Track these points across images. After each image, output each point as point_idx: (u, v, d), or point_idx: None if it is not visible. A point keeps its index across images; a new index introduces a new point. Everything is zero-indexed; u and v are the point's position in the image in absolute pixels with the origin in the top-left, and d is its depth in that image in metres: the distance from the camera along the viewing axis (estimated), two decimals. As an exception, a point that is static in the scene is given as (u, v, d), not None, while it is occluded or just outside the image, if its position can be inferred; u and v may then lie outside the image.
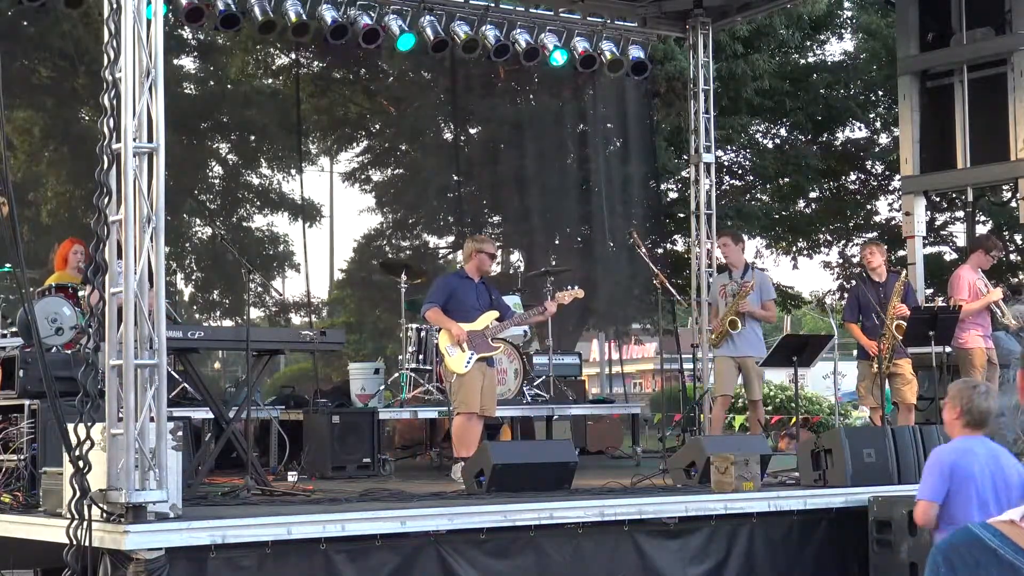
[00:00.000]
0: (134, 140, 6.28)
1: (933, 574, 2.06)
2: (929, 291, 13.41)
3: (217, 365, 26.48)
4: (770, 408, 20.02)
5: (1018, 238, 21.74)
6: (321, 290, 29.65)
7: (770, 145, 22.73)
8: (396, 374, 12.59)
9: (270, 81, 22.09)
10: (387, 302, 19.37)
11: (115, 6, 6.37)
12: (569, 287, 10.38)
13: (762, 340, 11.26)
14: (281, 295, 23.88)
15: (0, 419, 7.68)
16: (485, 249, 9.93)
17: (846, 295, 14.51)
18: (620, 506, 7.53)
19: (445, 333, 9.65)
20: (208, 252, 21.59)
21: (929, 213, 18.32)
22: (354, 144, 23.51)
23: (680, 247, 21.08)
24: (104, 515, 6.11)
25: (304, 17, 12.34)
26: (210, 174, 22.19)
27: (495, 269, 10.70)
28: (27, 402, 7.47)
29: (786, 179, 22.26)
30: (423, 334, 12.09)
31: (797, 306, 25.74)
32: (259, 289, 22.04)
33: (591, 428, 14.25)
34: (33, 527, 6.69)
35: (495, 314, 9.82)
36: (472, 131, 21.48)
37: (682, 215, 18.92)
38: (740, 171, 23.13)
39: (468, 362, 9.52)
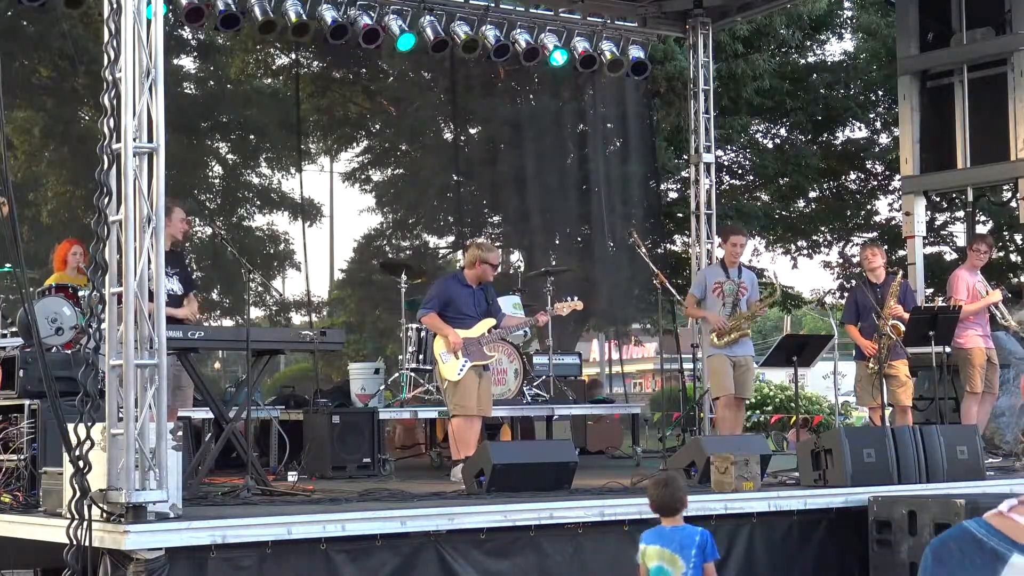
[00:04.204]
0: (134, 140, 6.28)
1: (923, 571, 2.13)
2: (929, 291, 13.40)
3: (217, 365, 26.48)
4: (770, 408, 20.04)
5: (1018, 238, 21.74)
6: (321, 290, 29.64)
7: (770, 145, 22.73)
8: (396, 374, 12.59)
9: (270, 81, 22.09)
10: (387, 302, 19.35)
11: (115, 6, 6.37)
12: (568, 298, 10.34)
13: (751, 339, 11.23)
14: (281, 295, 23.89)
15: (0, 419, 7.68)
16: (489, 260, 9.84)
17: (845, 295, 14.51)
18: (620, 506, 7.52)
19: (441, 339, 9.63)
20: (208, 252, 21.57)
21: (929, 213, 18.32)
22: (354, 144, 23.51)
23: (680, 247, 21.08)
24: (104, 515, 6.11)
25: (304, 17, 12.34)
26: (210, 174, 22.18)
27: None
28: (27, 402, 7.47)
29: (786, 179, 22.25)
30: (423, 334, 12.08)
31: (797, 306, 25.72)
32: (259, 289, 22.04)
33: (591, 428, 14.25)
34: (33, 527, 6.69)
35: (492, 322, 9.79)
36: (472, 131, 21.48)
37: (682, 215, 18.92)
38: (740, 171, 23.14)
39: (461, 369, 9.50)
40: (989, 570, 2.05)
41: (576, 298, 10.35)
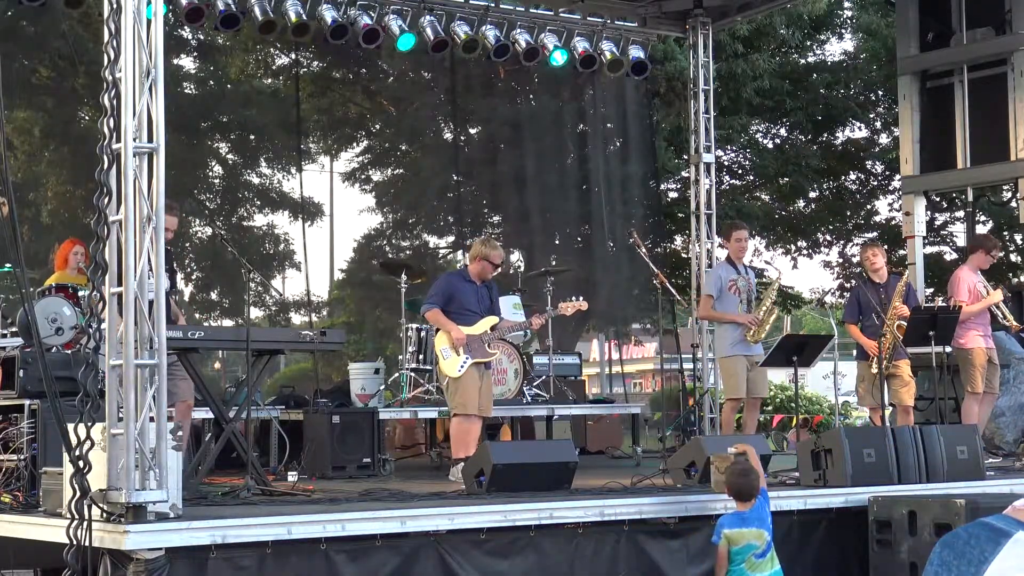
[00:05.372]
0: (134, 140, 6.28)
1: (932, 557, 2.21)
2: (929, 291, 13.40)
3: (217, 365, 26.47)
4: (770, 408, 20.04)
5: (1018, 238, 21.74)
6: (321, 290, 29.68)
7: (770, 145, 22.72)
8: (396, 374, 12.59)
9: (270, 81, 22.09)
10: (387, 302, 19.36)
11: (115, 6, 6.36)
12: (572, 298, 10.31)
13: None
14: (281, 295, 23.90)
15: (0, 419, 7.68)
16: (491, 258, 9.78)
17: (846, 295, 14.50)
18: (620, 506, 7.52)
19: (443, 335, 9.61)
20: (208, 252, 21.58)
21: (929, 213, 18.31)
22: (354, 144, 23.51)
23: (680, 247, 21.08)
24: (104, 515, 6.11)
25: (304, 17, 12.34)
26: (210, 174, 22.19)
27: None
28: (27, 402, 7.47)
29: (786, 179, 22.25)
30: (423, 334, 12.08)
31: (797, 306, 25.72)
32: (259, 289, 22.05)
33: (591, 428, 14.25)
34: (33, 527, 6.69)
35: (494, 320, 9.77)
36: (472, 131, 21.48)
37: (682, 215, 18.92)
38: (740, 171, 23.13)
39: (462, 366, 9.48)
40: (993, 544, 2.13)
41: (581, 298, 10.32)
